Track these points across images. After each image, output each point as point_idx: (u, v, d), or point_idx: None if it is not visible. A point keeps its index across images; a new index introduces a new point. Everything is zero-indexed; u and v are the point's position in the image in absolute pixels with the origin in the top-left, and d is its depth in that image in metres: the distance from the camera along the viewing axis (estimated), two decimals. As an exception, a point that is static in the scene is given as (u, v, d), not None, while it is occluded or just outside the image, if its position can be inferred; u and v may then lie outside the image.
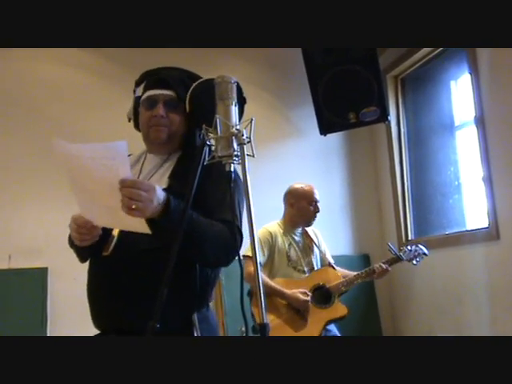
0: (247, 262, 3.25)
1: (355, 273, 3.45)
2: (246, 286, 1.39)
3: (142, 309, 1.53)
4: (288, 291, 3.25)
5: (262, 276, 3.23)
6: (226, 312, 4.17)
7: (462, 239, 4.14)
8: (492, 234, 3.80)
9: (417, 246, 3.47)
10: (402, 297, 4.77)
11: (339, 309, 3.35)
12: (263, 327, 1.24)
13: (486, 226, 3.89)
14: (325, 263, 3.54)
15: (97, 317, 1.71)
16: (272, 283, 3.27)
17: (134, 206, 1.39)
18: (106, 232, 1.65)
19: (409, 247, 3.47)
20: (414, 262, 3.43)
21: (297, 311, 3.28)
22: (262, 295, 1.28)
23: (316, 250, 3.53)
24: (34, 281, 3.87)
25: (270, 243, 3.38)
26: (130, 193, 1.40)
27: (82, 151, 1.43)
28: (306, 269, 3.42)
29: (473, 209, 4.21)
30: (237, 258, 1.53)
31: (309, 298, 3.26)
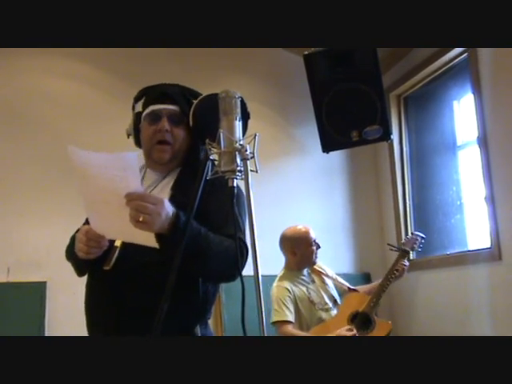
0: (279, 326, 3.20)
1: (377, 283, 3.44)
2: (247, 302, 1.37)
3: (140, 324, 1.51)
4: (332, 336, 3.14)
5: (299, 333, 3.16)
6: (225, 329, 4.13)
7: (464, 259, 4.11)
8: (494, 254, 3.78)
9: (412, 234, 3.62)
10: (403, 316, 4.73)
11: (383, 326, 3.30)
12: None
13: (488, 246, 3.87)
14: (342, 289, 3.52)
15: (93, 330, 1.69)
16: (314, 336, 3.16)
17: (141, 219, 1.39)
18: (108, 246, 1.64)
19: (406, 239, 3.62)
20: (418, 248, 3.56)
21: None
22: (262, 310, 1.26)
23: (328, 280, 3.50)
24: (33, 295, 3.84)
25: (292, 298, 3.30)
26: (138, 206, 1.39)
27: (97, 160, 1.43)
28: (330, 304, 3.37)
29: (475, 229, 4.19)
30: (248, 270, 1.50)
31: (355, 331, 3.15)
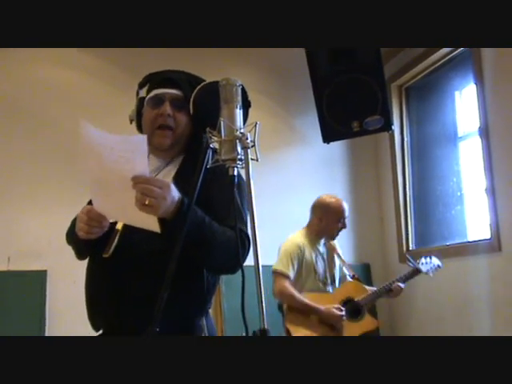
0: (278, 277, 3.26)
1: (374, 289, 3.49)
2: (247, 292, 1.36)
3: (142, 312, 1.51)
4: (322, 307, 3.24)
5: (295, 293, 3.24)
6: (225, 320, 4.15)
7: (464, 250, 4.12)
8: (494, 245, 3.79)
9: (431, 258, 3.56)
10: (402, 308, 4.75)
11: (370, 322, 3.38)
12: (264, 333, 1.22)
13: (488, 237, 3.87)
14: (343, 274, 3.56)
15: (95, 318, 1.69)
16: (305, 300, 3.25)
17: (147, 202, 1.38)
18: (108, 232, 1.63)
19: (424, 259, 3.55)
20: (431, 274, 3.53)
21: (330, 326, 3.27)
22: (262, 299, 1.25)
23: (337, 260, 3.53)
24: (33, 283, 3.86)
25: (299, 257, 3.35)
26: (144, 189, 1.38)
27: (105, 139, 1.42)
28: (329, 281, 3.42)
29: (475, 220, 4.19)
30: (248, 260, 1.49)
31: (343, 313, 3.25)
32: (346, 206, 3.51)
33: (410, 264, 3.54)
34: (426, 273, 3.50)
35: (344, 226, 3.48)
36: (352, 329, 3.29)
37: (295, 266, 3.32)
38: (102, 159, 1.44)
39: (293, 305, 3.24)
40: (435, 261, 3.55)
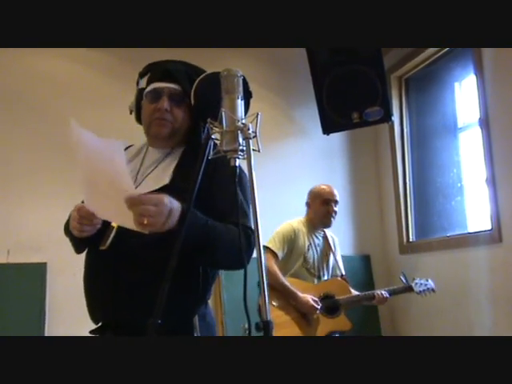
0: (267, 253, 3.31)
1: (356, 293, 3.49)
2: (250, 282, 1.36)
3: (140, 303, 1.51)
4: (300, 294, 3.26)
5: (278, 273, 3.27)
6: (225, 311, 4.15)
7: (464, 242, 4.12)
8: (494, 236, 3.78)
9: (426, 281, 3.58)
10: (402, 299, 4.75)
11: (344, 322, 3.39)
12: (266, 324, 1.21)
13: (489, 228, 3.87)
14: (335, 273, 3.56)
15: (93, 310, 1.68)
16: (286, 282, 3.28)
17: (145, 222, 1.37)
18: (104, 225, 1.62)
19: (419, 280, 3.57)
20: (423, 294, 3.56)
21: (303, 315, 3.30)
22: (265, 291, 1.25)
23: (332, 257, 3.54)
24: (33, 276, 3.85)
25: (292, 240, 3.39)
26: (139, 210, 1.37)
27: (92, 141, 1.42)
28: (317, 273, 3.43)
29: (475, 211, 4.19)
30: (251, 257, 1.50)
31: (319, 307, 3.27)
32: (332, 190, 3.52)
33: (403, 281, 3.56)
34: (418, 293, 3.54)
35: (332, 210, 3.47)
36: (324, 324, 3.32)
37: (285, 249, 3.36)
38: (91, 160, 1.45)
39: (273, 283, 3.25)
40: (431, 284, 3.57)
